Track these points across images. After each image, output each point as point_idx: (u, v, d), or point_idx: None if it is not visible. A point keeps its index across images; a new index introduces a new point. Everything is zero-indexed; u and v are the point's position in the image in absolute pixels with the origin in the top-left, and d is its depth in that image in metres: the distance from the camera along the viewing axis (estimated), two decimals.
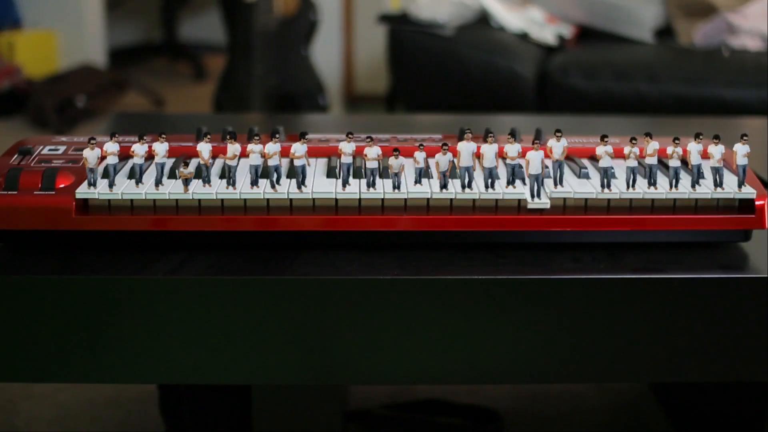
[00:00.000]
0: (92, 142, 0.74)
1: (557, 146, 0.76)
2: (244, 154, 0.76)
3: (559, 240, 0.77)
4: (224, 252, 0.75)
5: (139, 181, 0.75)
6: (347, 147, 0.76)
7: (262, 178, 0.76)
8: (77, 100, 3.35)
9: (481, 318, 0.72)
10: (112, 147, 0.74)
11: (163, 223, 0.74)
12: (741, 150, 0.75)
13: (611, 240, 0.77)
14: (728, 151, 0.76)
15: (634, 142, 0.75)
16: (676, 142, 0.76)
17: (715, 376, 0.75)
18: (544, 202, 0.75)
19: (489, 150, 0.76)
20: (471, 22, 2.66)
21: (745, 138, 0.75)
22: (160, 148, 0.75)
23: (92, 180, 0.74)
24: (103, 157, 0.75)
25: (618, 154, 0.77)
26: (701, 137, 0.77)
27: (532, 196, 0.75)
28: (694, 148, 0.76)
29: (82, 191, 0.73)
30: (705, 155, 0.76)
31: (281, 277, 0.71)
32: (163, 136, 0.76)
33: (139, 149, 0.75)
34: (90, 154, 0.74)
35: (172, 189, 0.74)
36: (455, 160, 0.76)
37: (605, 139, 0.76)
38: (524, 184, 0.76)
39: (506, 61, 2.46)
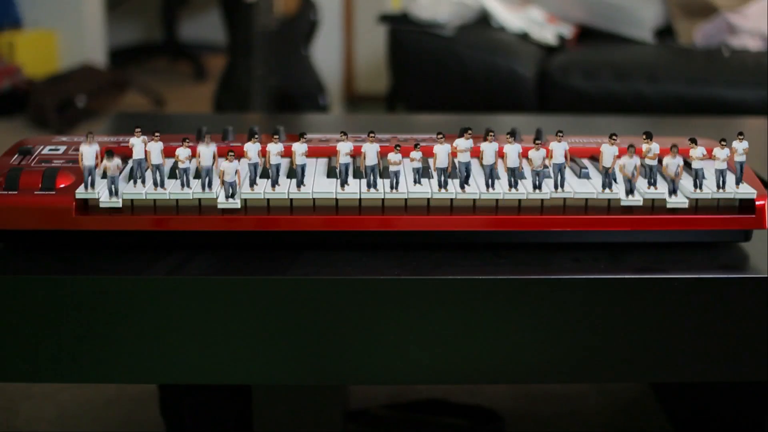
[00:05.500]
0: (90, 134, 0.73)
1: (558, 147, 0.76)
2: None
3: (559, 240, 0.77)
4: (224, 252, 0.75)
5: (137, 181, 0.75)
6: (344, 147, 0.76)
7: (262, 178, 0.76)
8: (77, 100, 3.35)
9: (481, 318, 0.72)
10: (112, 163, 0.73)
11: (163, 223, 0.74)
12: (738, 147, 0.75)
13: (611, 240, 0.77)
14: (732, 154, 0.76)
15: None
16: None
17: (715, 376, 0.75)
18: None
19: (489, 148, 0.76)
20: (471, 22, 2.66)
21: (740, 136, 0.75)
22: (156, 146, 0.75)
23: (89, 182, 0.73)
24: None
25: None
26: (696, 143, 0.76)
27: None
28: (697, 152, 0.76)
29: (83, 191, 0.73)
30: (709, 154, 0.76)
31: (281, 277, 0.71)
32: (157, 134, 0.75)
33: (136, 142, 0.74)
34: (87, 150, 0.73)
35: (172, 189, 0.74)
36: (456, 160, 0.76)
37: (613, 137, 0.75)
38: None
39: (506, 61, 2.46)
